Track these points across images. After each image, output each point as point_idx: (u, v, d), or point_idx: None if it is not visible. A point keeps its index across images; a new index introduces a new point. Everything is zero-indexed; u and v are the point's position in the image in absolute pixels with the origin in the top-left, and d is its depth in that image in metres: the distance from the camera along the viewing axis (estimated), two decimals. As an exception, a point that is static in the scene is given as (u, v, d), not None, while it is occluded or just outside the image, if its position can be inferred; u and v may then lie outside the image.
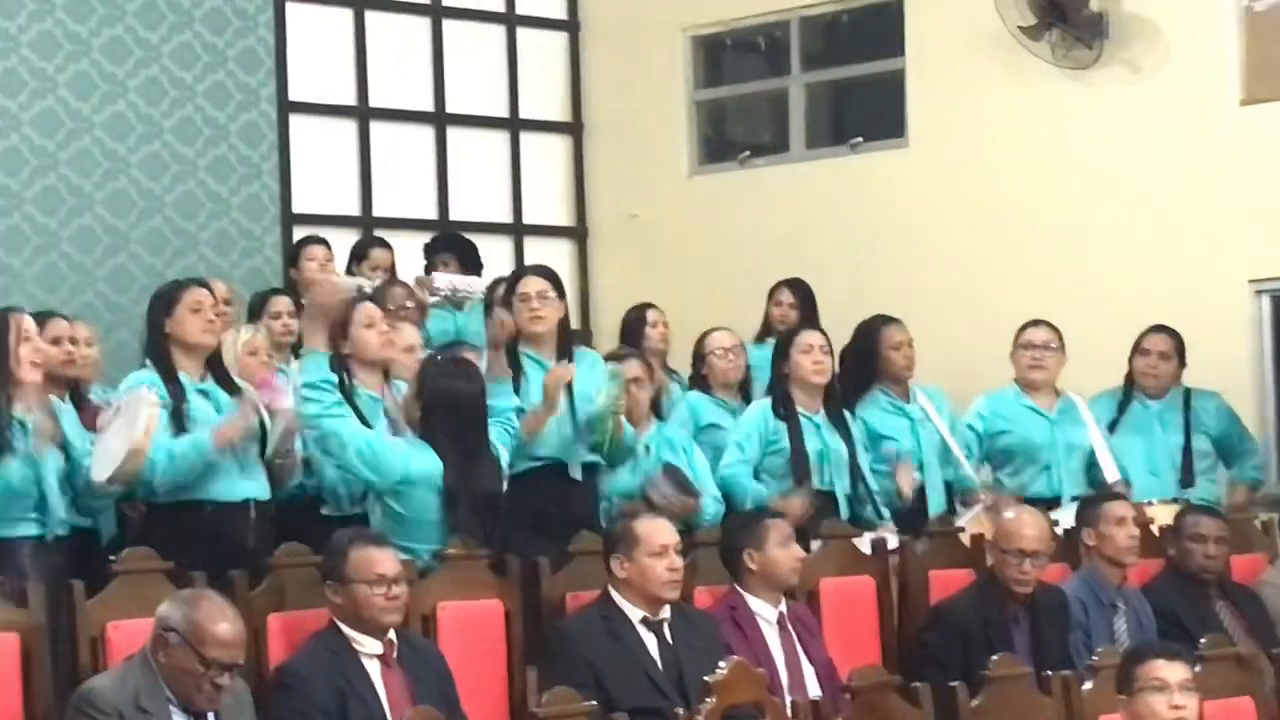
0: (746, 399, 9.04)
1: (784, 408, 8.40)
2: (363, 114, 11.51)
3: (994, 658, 6.78)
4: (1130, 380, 9.44)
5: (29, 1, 10.23)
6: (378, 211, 11.49)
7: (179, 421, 7.06)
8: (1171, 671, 6.32)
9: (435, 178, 11.78)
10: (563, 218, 12.30)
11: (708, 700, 6.19)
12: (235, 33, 10.93)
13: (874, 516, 8.37)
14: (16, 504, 6.72)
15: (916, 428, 8.82)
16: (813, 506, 8.10)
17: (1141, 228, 10.35)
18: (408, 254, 10.59)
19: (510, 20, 12.08)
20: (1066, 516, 8.39)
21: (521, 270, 8.19)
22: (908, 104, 11.20)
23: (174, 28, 10.72)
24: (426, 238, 10.83)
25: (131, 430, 6.76)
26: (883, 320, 9.01)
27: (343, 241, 10.41)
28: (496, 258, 11.03)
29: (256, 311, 8.99)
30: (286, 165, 11.14)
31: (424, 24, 11.76)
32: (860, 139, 11.47)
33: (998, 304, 10.41)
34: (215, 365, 7.28)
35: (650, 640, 6.83)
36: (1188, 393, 9.45)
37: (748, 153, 11.97)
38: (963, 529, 8.31)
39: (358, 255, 10.13)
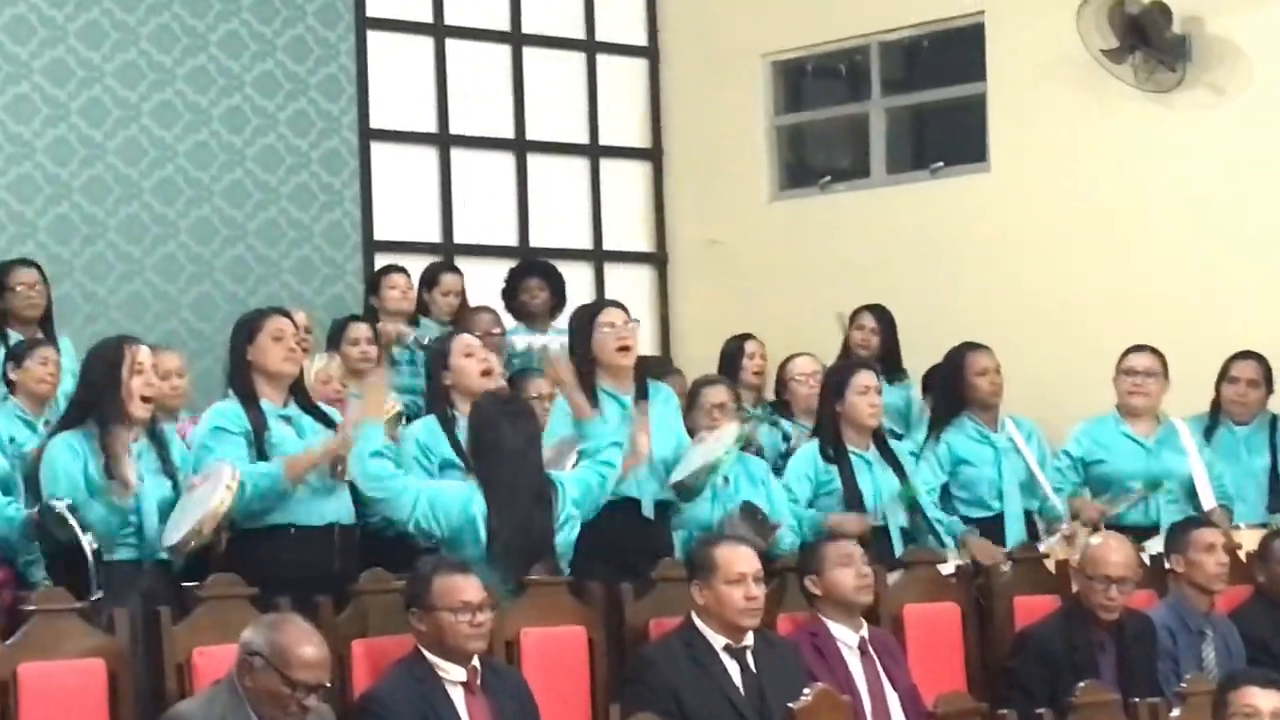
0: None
1: (834, 448, 8.33)
2: (443, 141, 11.56)
3: (1080, 685, 6.71)
4: (1216, 406, 9.35)
5: (113, 32, 10.33)
6: (458, 238, 11.52)
7: (260, 449, 7.09)
8: (1265, 699, 6.25)
9: (515, 204, 11.81)
10: (643, 244, 12.32)
11: (792, 727, 6.16)
12: (317, 61, 11.00)
13: (937, 546, 8.30)
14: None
15: (1000, 457, 8.75)
16: (867, 525, 8.04)
17: (1226, 252, 10.27)
18: (489, 281, 10.61)
19: (590, 47, 12.11)
20: (1156, 544, 8.31)
21: (601, 301, 8.14)
22: (989, 128, 11.16)
23: (256, 56, 10.79)
24: (506, 264, 10.86)
25: (207, 503, 6.76)
26: (969, 346, 8.96)
27: (422, 269, 10.43)
28: (576, 284, 11.04)
29: (335, 338, 9.02)
30: (368, 192, 11.19)
31: (504, 51, 11.81)
32: (941, 163, 11.44)
33: (1080, 329, 10.36)
34: (298, 392, 7.30)
35: (733, 667, 6.80)
36: (1274, 418, 9.36)
37: (828, 178, 11.95)
38: (1047, 555, 8.24)
39: (428, 281, 10.17)
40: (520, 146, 11.83)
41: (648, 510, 7.76)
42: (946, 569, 7.97)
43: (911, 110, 11.89)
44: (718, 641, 6.80)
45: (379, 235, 11.21)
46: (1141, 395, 8.97)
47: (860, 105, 11.89)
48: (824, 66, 12.07)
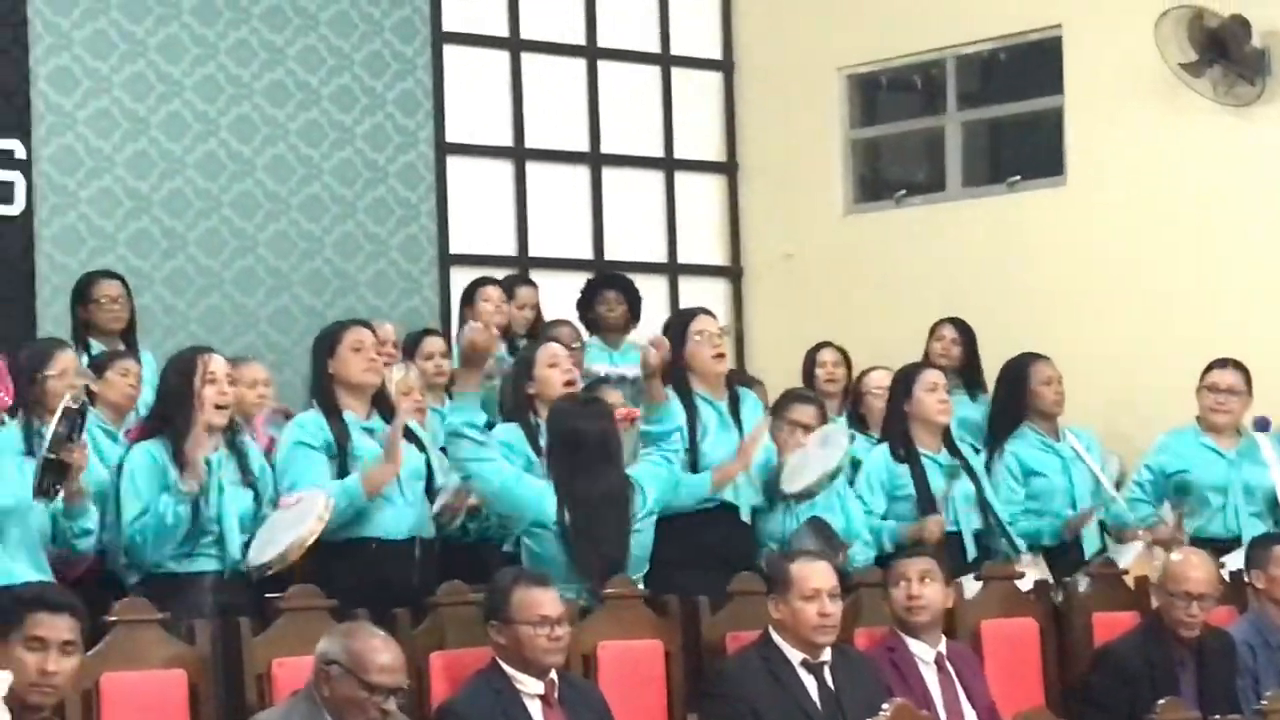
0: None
1: (904, 449, 8.33)
2: (519, 155, 11.59)
3: (1160, 702, 6.65)
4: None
5: (192, 46, 10.40)
6: (533, 251, 11.55)
7: (343, 461, 7.11)
8: (1346, 716, 6.22)
9: (590, 218, 11.83)
10: (717, 257, 12.32)
11: (871, 742, 6.15)
12: (394, 75, 11.05)
13: (1009, 550, 8.28)
14: (196, 541, 6.82)
15: (1069, 466, 8.72)
16: (943, 529, 8.03)
17: (1305, 266, 10.21)
18: (563, 294, 10.63)
19: (665, 61, 12.13)
20: (1236, 559, 8.26)
21: (692, 310, 8.14)
22: (1066, 142, 11.11)
23: (334, 71, 10.85)
24: (581, 278, 10.88)
25: (298, 529, 6.78)
26: (1032, 356, 8.93)
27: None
28: (651, 298, 11.03)
29: (410, 352, 9.03)
30: (444, 206, 11.23)
31: (579, 65, 11.84)
32: (1018, 177, 11.40)
33: (1157, 342, 10.30)
34: (381, 404, 7.32)
35: (810, 682, 6.78)
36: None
37: (903, 191, 11.93)
38: (1126, 571, 8.20)
39: (504, 293, 10.15)
40: (595, 160, 11.86)
41: (745, 516, 7.77)
42: (1025, 584, 7.93)
43: (988, 124, 11.86)
44: (795, 656, 6.79)
45: (454, 249, 11.25)
46: (1224, 413, 8.90)
47: (936, 119, 11.86)
48: (899, 80, 12.04)
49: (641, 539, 7.19)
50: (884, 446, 8.41)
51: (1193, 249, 10.55)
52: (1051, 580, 8.14)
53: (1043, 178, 11.28)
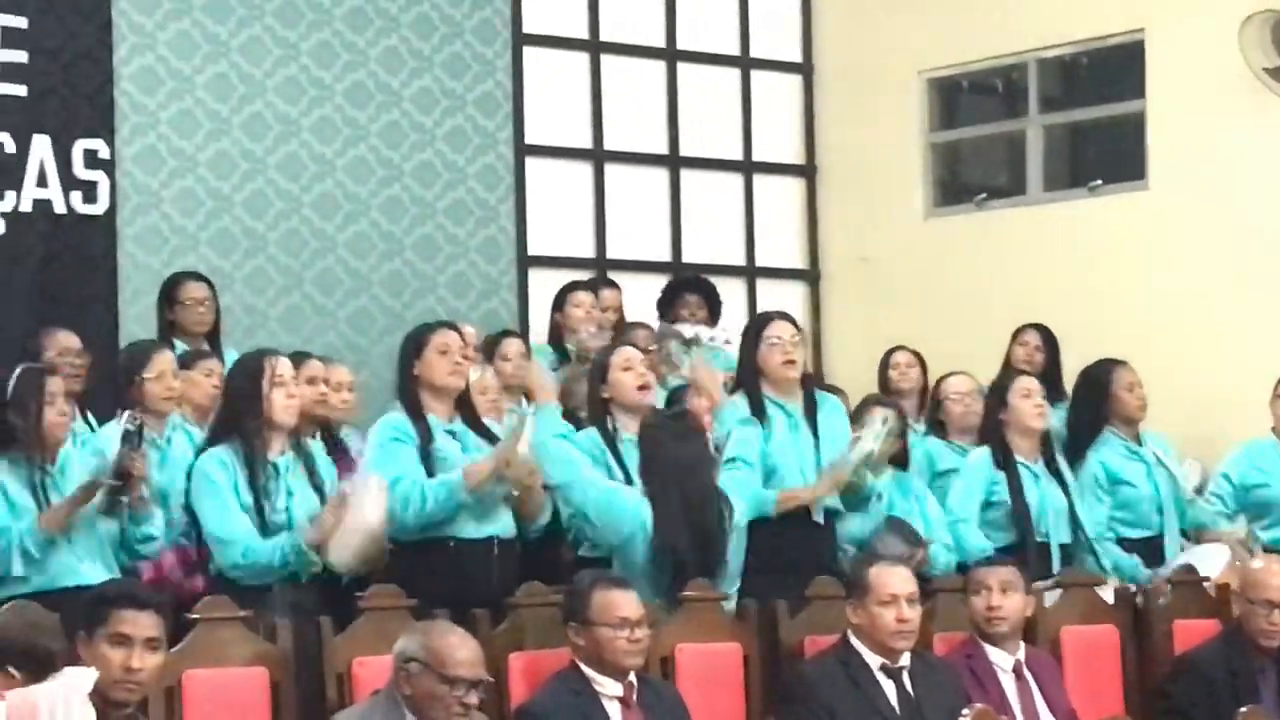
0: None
1: (1003, 456, 8.30)
2: (598, 157, 11.60)
3: (1241, 710, 6.64)
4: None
5: (275, 48, 10.45)
6: (611, 254, 11.55)
7: (427, 463, 7.13)
8: None
9: (669, 220, 11.83)
10: (795, 260, 12.30)
11: (950, 748, 6.13)
12: (474, 77, 11.08)
13: (1096, 567, 8.22)
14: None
15: (1153, 472, 8.67)
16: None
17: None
18: (642, 296, 10.64)
19: (745, 63, 12.12)
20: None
21: (767, 315, 8.14)
22: (1148, 146, 11.04)
23: (414, 73, 10.88)
24: (659, 280, 10.88)
25: (361, 518, 6.78)
26: (1113, 362, 8.88)
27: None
28: (729, 300, 11.01)
29: (489, 353, 9.04)
30: (522, 208, 11.24)
31: (659, 67, 11.84)
32: (1099, 181, 11.33)
33: (1238, 349, 10.22)
34: (464, 406, 7.32)
35: (889, 687, 6.78)
36: None
37: (984, 195, 11.88)
38: (1208, 578, 8.15)
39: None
40: (675, 162, 11.85)
41: (818, 516, 7.75)
42: (1106, 593, 7.89)
43: (1069, 127, 11.79)
44: (874, 661, 6.78)
45: (533, 250, 11.27)
46: None
47: (1017, 122, 11.80)
48: (980, 83, 11.99)
49: (734, 555, 7.18)
50: (986, 450, 8.38)
51: (1275, 254, 10.45)
52: (1133, 587, 8.09)
53: (1125, 181, 11.20)
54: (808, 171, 12.31)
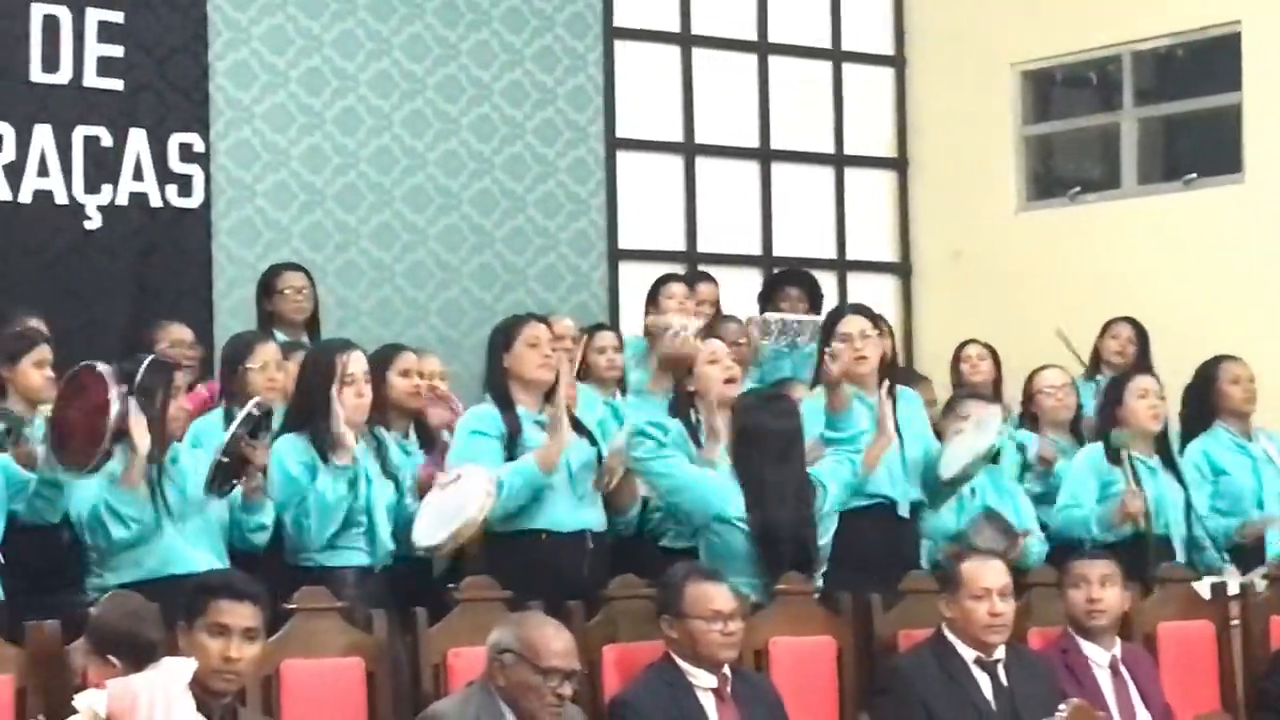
0: (1078, 437, 8.91)
1: (1116, 451, 8.25)
2: (689, 150, 11.59)
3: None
4: None
5: (366, 42, 10.49)
6: (702, 247, 11.54)
7: (514, 453, 7.15)
8: None
9: (760, 213, 11.81)
10: (887, 254, 12.25)
11: (1046, 742, 6.10)
12: (565, 71, 11.09)
13: (1214, 560, 8.17)
14: (345, 533, 6.87)
15: (1259, 467, 8.61)
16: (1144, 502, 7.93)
17: None
18: (733, 289, 10.62)
19: (836, 56, 12.08)
20: None
21: (840, 309, 8.12)
22: (1244, 139, 10.94)
23: (505, 66, 10.90)
24: (749, 273, 10.86)
25: (463, 508, 6.80)
26: (1223, 357, 8.85)
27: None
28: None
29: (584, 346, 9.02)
30: (613, 201, 11.25)
31: (750, 60, 11.81)
32: (1194, 175, 11.24)
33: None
34: (554, 398, 7.31)
35: (984, 680, 6.75)
36: None
37: (1077, 189, 11.79)
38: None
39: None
40: (765, 155, 11.83)
41: (903, 511, 7.72)
42: (1202, 588, 7.82)
43: (1164, 120, 11.70)
44: (968, 654, 6.76)
45: (623, 244, 11.27)
46: None
47: (1111, 115, 11.72)
48: (1074, 76, 11.92)
49: (823, 539, 7.17)
50: (1098, 445, 8.33)
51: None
52: (1230, 584, 8.02)
53: (1220, 175, 11.11)
54: (900, 165, 12.26)
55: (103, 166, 9.59)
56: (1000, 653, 6.78)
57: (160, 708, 5.12)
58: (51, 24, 9.49)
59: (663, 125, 11.51)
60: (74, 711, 5.19)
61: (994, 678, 6.75)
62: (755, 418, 7.15)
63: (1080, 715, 6.15)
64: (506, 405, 7.23)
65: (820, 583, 7.20)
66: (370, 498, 6.89)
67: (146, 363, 6.69)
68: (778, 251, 11.73)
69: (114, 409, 6.19)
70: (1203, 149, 11.50)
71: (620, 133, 11.29)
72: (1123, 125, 11.61)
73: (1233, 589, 7.83)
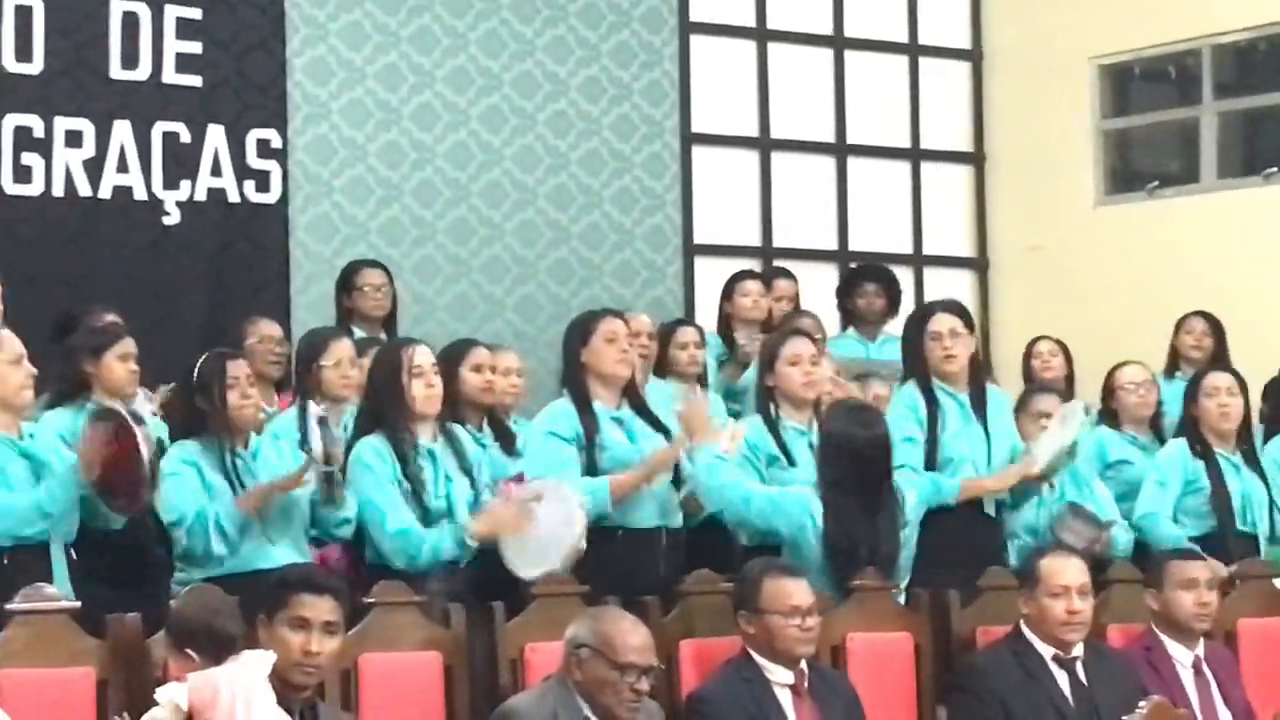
0: (1158, 434, 8.85)
1: (1200, 446, 8.21)
2: (764, 145, 11.58)
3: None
4: None
5: (443, 38, 10.53)
6: (778, 242, 11.53)
7: (591, 451, 7.14)
8: None
9: (836, 208, 11.79)
10: (964, 249, 12.21)
11: (1126, 740, 6.06)
12: (641, 66, 11.09)
13: None
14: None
15: (1343, 463, 8.53)
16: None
17: None
18: (809, 284, 10.60)
19: (913, 50, 12.05)
20: None
21: (931, 306, 8.07)
22: (1325, 133, 10.89)
23: (581, 62, 10.92)
24: (825, 268, 10.84)
25: (562, 539, 6.74)
26: None
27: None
28: (895, 289, 10.98)
29: (664, 341, 9.02)
30: (689, 196, 11.25)
31: (826, 55, 11.79)
32: (1274, 169, 11.16)
33: None
34: (632, 394, 7.34)
35: (1062, 678, 6.71)
36: None
37: (1156, 183, 11.73)
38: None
39: (763, 286, 10.11)
40: (841, 150, 11.81)
41: (990, 509, 7.69)
42: (1281, 583, 7.78)
43: (1244, 114, 11.63)
44: (1046, 652, 6.72)
45: (699, 239, 11.27)
46: None
47: (1190, 109, 11.65)
48: (1152, 69, 11.84)
49: (907, 545, 7.14)
50: (1181, 441, 8.29)
51: None
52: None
53: (1300, 169, 11.06)
54: (977, 159, 12.22)
55: (181, 162, 9.66)
56: (1079, 650, 6.74)
57: (241, 700, 5.15)
58: (131, 20, 9.57)
59: (738, 120, 11.50)
60: (155, 704, 5.23)
61: (1072, 675, 6.71)
62: (842, 428, 7.09)
63: (1160, 713, 6.10)
64: (583, 401, 7.21)
65: (903, 585, 7.16)
66: (451, 495, 6.88)
67: (204, 357, 6.75)
68: (854, 246, 11.71)
69: (144, 450, 6.24)
70: (1283, 143, 11.44)
71: (696, 127, 11.29)
72: (1202, 119, 11.54)
73: None
